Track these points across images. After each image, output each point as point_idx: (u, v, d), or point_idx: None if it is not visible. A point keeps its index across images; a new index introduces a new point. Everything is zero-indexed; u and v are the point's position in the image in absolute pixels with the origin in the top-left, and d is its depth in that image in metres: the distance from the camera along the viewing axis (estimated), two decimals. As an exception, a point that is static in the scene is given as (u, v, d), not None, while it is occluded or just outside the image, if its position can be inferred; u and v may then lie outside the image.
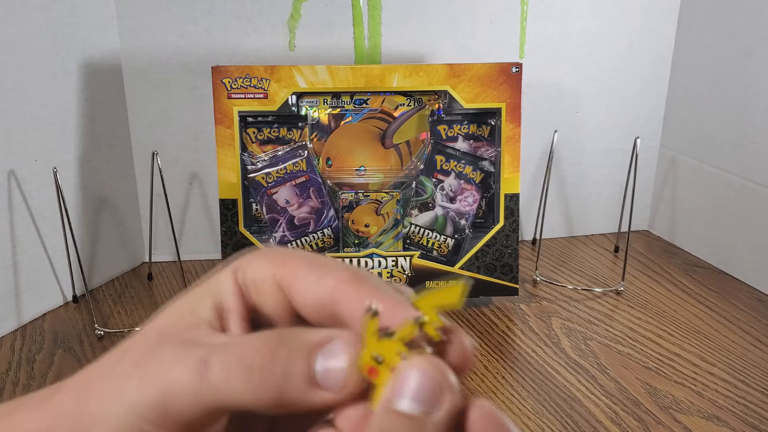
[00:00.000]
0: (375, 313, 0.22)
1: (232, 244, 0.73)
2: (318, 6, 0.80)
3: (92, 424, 0.22)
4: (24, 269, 0.72)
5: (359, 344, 0.22)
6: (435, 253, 0.75)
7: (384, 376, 0.21)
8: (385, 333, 0.22)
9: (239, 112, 0.72)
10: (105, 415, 0.22)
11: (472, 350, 0.23)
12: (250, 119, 0.73)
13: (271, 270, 0.24)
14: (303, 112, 0.75)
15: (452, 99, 0.73)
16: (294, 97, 0.73)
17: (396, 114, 0.76)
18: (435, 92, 0.75)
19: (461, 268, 0.75)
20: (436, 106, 0.75)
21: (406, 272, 0.74)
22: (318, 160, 0.76)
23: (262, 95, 0.72)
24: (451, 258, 0.75)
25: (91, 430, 0.22)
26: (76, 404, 0.23)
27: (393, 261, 0.74)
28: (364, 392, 0.22)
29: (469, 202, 0.75)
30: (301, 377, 0.21)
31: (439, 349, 0.22)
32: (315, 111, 0.75)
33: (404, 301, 0.23)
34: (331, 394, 0.22)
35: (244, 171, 0.73)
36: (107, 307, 0.76)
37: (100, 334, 0.70)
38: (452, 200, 0.75)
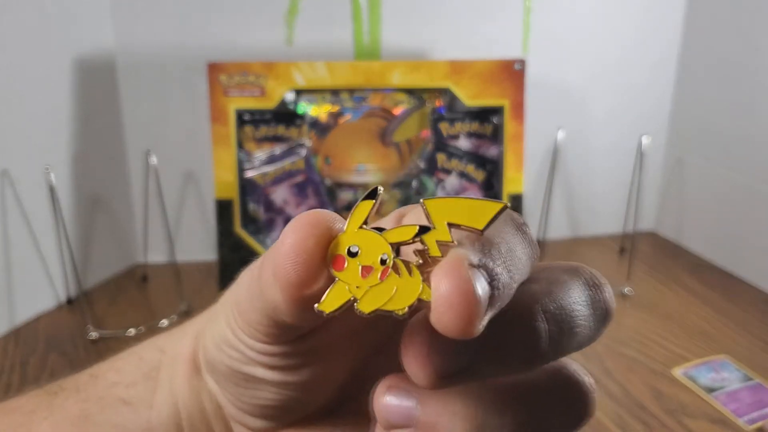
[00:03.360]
0: (371, 196, 0.18)
1: (229, 245, 0.72)
2: (316, 0, 0.78)
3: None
4: (17, 270, 0.71)
5: (330, 231, 0.18)
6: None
7: (351, 272, 0.17)
8: (376, 227, 0.18)
9: (236, 109, 0.71)
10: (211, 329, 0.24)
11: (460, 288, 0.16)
12: (246, 117, 0.72)
13: None
14: (301, 110, 0.73)
15: (454, 96, 0.72)
16: (292, 94, 0.72)
17: (396, 112, 0.75)
18: (436, 89, 0.73)
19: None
20: (438, 103, 0.74)
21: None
22: (317, 158, 0.75)
23: (259, 92, 0.71)
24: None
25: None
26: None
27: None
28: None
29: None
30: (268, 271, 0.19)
31: (426, 269, 0.17)
32: (313, 108, 0.74)
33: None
34: (278, 287, 0.18)
35: (241, 170, 0.72)
36: (101, 308, 0.75)
37: (94, 336, 0.68)
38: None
